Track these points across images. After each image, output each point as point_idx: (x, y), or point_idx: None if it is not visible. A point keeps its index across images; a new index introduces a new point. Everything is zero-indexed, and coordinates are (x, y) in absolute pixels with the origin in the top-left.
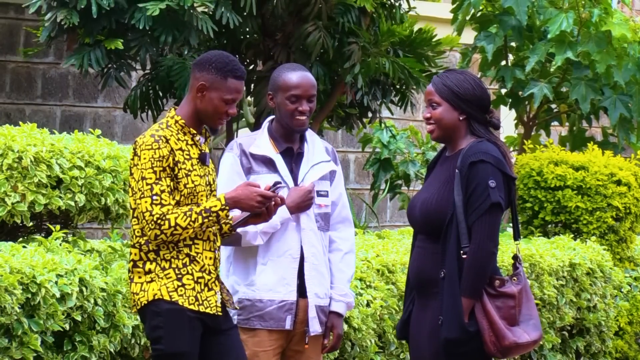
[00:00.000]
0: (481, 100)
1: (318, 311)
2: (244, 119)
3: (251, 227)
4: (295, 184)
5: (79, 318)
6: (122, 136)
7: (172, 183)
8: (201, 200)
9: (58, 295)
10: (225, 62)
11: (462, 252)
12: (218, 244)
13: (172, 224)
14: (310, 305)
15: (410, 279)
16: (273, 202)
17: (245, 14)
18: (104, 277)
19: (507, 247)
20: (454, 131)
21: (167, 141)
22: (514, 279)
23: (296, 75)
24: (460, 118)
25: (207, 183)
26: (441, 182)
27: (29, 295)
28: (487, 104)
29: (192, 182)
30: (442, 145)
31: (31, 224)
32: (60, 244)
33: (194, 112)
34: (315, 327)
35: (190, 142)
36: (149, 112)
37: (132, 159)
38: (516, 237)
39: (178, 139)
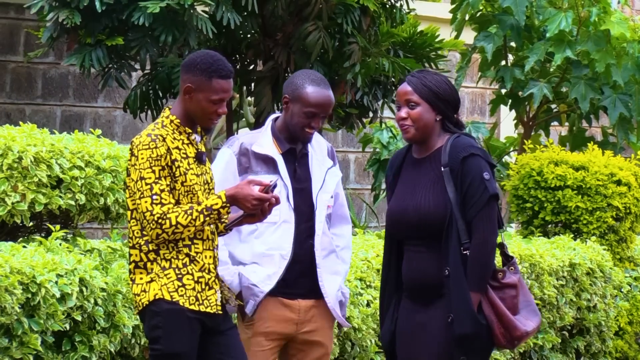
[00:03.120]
0: (456, 101)
1: (339, 308)
2: (244, 119)
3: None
4: (309, 186)
5: (79, 318)
6: (122, 136)
7: (171, 182)
8: (199, 198)
9: (58, 295)
10: (210, 62)
11: (462, 248)
12: (216, 242)
13: (173, 222)
14: (334, 305)
15: (406, 284)
16: (268, 203)
17: (245, 14)
18: (104, 277)
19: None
20: (430, 132)
21: (164, 140)
22: (511, 269)
23: (319, 94)
24: (437, 119)
25: (205, 182)
26: (429, 184)
27: (29, 295)
28: (458, 106)
29: (189, 180)
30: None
31: (31, 223)
32: (60, 244)
33: (185, 112)
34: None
35: (186, 141)
36: (149, 112)
37: (130, 160)
38: (500, 225)
39: (174, 138)
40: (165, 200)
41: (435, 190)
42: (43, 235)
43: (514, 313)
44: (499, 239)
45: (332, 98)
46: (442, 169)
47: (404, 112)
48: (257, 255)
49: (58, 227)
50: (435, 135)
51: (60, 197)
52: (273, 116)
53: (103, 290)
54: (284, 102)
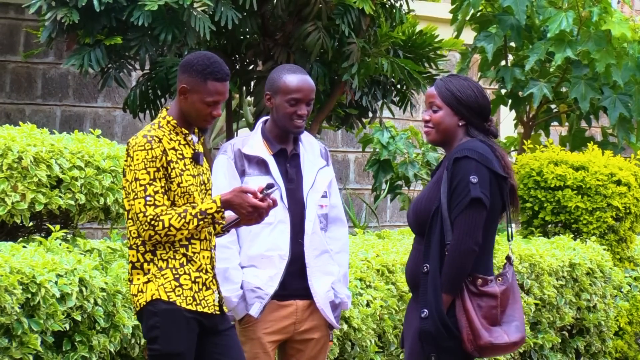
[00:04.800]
0: (482, 108)
1: (331, 308)
2: (244, 119)
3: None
4: (300, 186)
5: (79, 318)
6: (122, 136)
7: (166, 183)
8: (195, 199)
9: (58, 295)
10: (206, 64)
11: (445, 248)
12: (213, 243)
13: (166, 225)
14: (324, 305)
15: (407, 280)
16: (266, 204)
17: (245, 13)
18: (104, 277)
19: (506, 248)
20: (452, 136)
21: (160, 141)
22: (499, 279)
23: (297, 79)
24: (460, 124)
25: (201, 182)
26: (432, 183)
27: (29, 295)
28: (487, 113)
29: (185, 181)
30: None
31: (31, 224)
32: (60, 244)
33: (181, 113)
34: (337, 324)
35: (182, 141)
36: (148, 112)
37: (125, 160)
38: (509, 238)
39: (170, 139)
40: (159, 202)
41: (434, 189)
42: (43, 235)
43: (491, 324)
44: (506, 251)
45: (312, 83)
46: (445, 170)
47: (427, 115)
48: (255, 258)
49: (58, 227)
50: (457, 140)
51: (60, 197)
52: (262, 119)
53: (103, 290)
54: (267, 100)
